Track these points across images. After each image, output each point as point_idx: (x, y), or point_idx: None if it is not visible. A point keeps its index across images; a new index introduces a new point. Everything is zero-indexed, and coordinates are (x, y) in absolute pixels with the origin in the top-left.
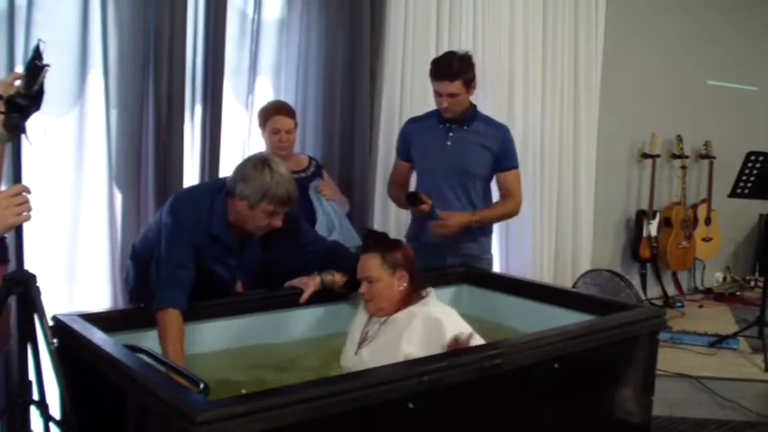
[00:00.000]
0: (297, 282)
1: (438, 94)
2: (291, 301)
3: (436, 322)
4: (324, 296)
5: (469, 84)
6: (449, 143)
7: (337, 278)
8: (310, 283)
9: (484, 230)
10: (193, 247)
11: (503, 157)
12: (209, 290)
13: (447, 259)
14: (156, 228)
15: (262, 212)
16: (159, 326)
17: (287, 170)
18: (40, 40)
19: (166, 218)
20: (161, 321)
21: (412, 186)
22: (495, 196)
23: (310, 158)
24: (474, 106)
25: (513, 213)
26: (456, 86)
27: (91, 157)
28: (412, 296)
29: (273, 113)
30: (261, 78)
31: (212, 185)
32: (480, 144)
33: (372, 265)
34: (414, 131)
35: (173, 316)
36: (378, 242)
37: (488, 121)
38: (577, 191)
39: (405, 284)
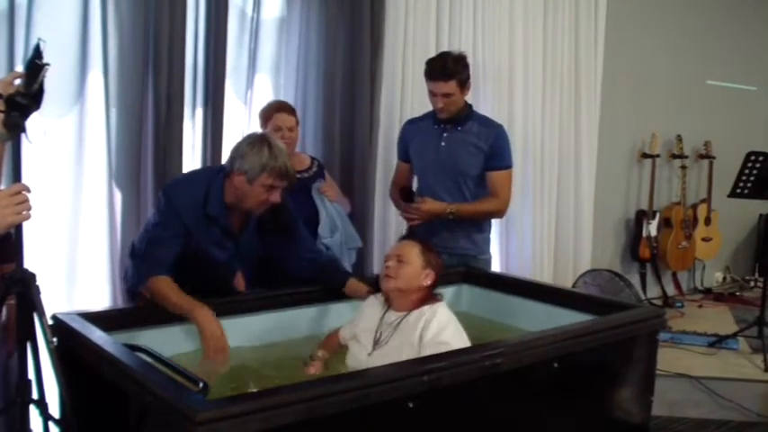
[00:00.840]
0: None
1: (432, 94)
2: (292, 300)
3: (428, 322)
4: (324, 296)
5: (464, 84)
6: (443, 144)
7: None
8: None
9: (480, 228)
10: (183, 227)
11: (492, 156)
12: (206, 272)
13: (443, 259)
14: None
15: (260, 186)
16: (155, 294)
17: (284, 146)
18: (40, 39)
19: (160, 198)
20: (154, 289)
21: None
22: None
23: (312, 158)
24: (469, 106)
25: (495, 212)
26: (450, 86)
27: (90, 157)
28: (427, 299)
29: (275, 111)
30: (260, 77)
31: (210, 168)
32: (473, 144)
33: (410, 249)
34: (411, 133)
35: (161, 280)
36: (419, 239)
37: (483, 120)
38: (577, 191)
39: (428, 283)
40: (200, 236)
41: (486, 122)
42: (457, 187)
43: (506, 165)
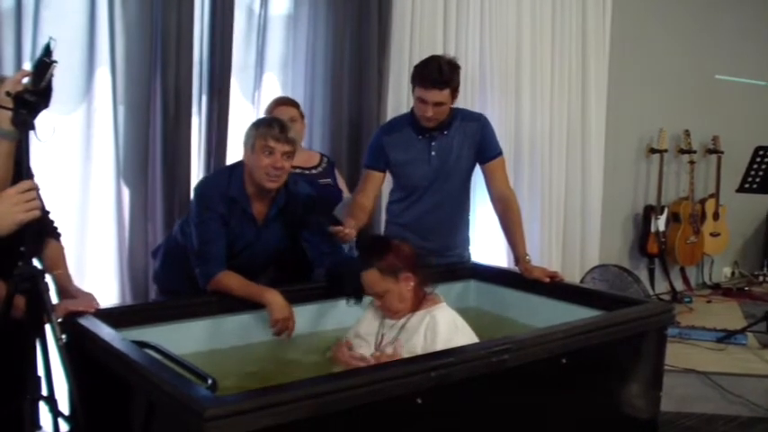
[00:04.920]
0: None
1: (422, 102)
2: (298, 297)
3: (431, 329)
4: (330, 292)
5: (456, 91)
6: (433, 153)
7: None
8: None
9: (467, 226)
10: (220, 216)
11: (486, 148)
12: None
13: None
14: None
15: (260, 152)
16: (221, 290)
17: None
18: (51, 37)
19: (192, 201)
20: (218, 287)
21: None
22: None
23: (322, 155)
24: (452, 109)
25: (518, 208)
26: (444, 95)
27: (98, 154)
28: (425, 297)
29: (275, 105)
30: (268, 75)
31: (233, 164)
32: (463, 144)
33: (373, 280)
34: (392, 146)
35: (223, 277)
36: (370, 254)
37: (464, 115)
38: (585, 186)
39: (412, 284)
40: (232, 221)
41: (468, 116)
42: (454, 192)
43: (500, 152)
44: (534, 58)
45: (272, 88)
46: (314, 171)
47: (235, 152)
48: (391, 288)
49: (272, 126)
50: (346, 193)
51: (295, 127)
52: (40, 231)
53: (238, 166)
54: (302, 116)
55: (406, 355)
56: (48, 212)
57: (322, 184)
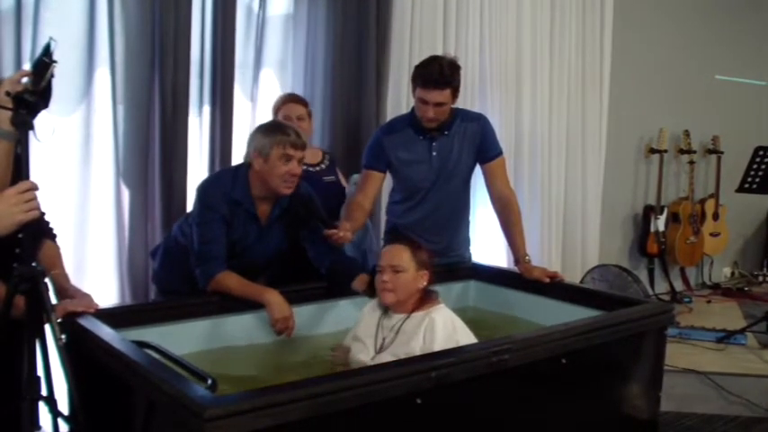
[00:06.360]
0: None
1: (423, 102)
2: (298, 297)
3: (430, 330)
4: (330, 292)
5: (457, 91)
6: (434, 153)
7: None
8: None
9: (467, 226)
10: (222, 216)
11: (486, 148)
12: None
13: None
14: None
15: (277, 160)
16: (221, 290)
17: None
18: (51, 38)
19: (195, 202)
20: (219, 287)
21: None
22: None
23: (324, 152)
24: (452, 109)
25: (518, 209)
26: (445, 95)
27: (98, 154)
28: (426, 299)
29: (284, 102)
30: (267, 74)
31: (235, 166)
32: (464, 144)
33: (402, 255)
34: (392, 146)
35: (223, 277)
36: (406, 238)
37: (465, 115)
38: (585, 186)
39: (425, 284)
40: (234, 222)
41: (468, 116)
42: (455, 192)
43: (500, 152)
44: (534, 58)
45: (271, 88)
46: (318, 168)
47: (236, 152)
48: (410, 272)
49: (288, 133)
50: (347, 189)
51: (303, 125)
52: (37, 232)
53: (241, 167)
54: (310, 114)
55: (404, 356)
56: (43, 213)
57: (327, 182)
